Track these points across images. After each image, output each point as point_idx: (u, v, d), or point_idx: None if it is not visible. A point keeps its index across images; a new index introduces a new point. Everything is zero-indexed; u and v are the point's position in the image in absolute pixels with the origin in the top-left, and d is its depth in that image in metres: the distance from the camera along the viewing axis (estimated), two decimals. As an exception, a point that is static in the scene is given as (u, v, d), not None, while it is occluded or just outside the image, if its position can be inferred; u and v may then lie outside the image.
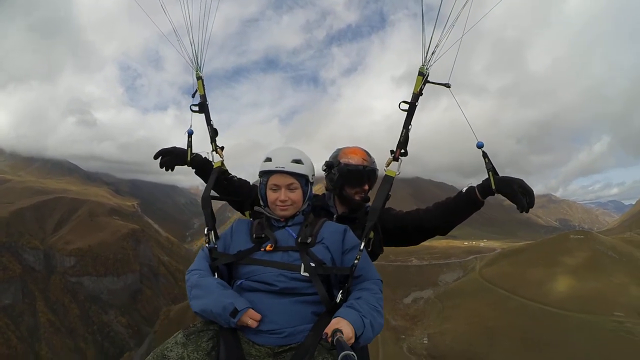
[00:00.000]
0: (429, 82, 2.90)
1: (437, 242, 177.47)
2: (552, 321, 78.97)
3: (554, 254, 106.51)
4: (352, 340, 2.09)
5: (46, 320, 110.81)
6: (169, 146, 3.46)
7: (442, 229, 3.20)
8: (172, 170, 3.44)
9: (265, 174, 2.82)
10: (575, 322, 76.56)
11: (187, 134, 3.47)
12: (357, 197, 3.40)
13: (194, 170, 3.56)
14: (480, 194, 2.92)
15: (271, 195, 2.78)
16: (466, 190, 3.02)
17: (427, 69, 2.87)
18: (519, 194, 2.64)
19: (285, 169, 2.72)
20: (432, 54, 2.80)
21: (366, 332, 2.18)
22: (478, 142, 2.82)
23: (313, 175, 2.95)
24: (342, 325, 2.09)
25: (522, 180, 2.71)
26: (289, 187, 2.75)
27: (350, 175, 3.35)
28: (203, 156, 3.54)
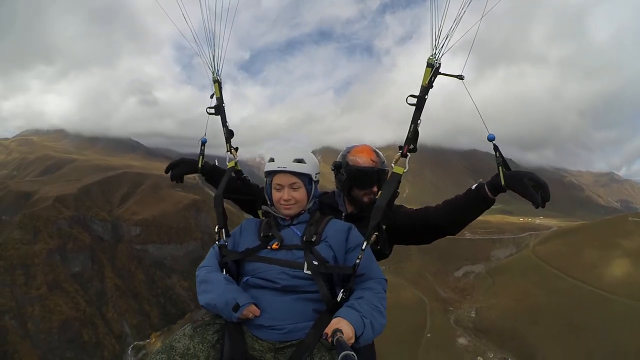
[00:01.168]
0: (439, 73, 2.80)
1: (491, 217, 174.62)
2: (599, 305, 78.50)
3: (610, 236, 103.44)
4: (352, 340, 2.14)
5: (113, 285, 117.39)
6: (178, 159, 3.65)
7: (452, 228, 3.17)
8: (182, 181, 3.63)
9: (269, 174, 2.90)
10: (623, 308, 75.66)
11: (200, 143, 3.66)
12: (365, 199, 3.38)
13: (204, 177, 3.73)
14: (490, 191, 2.84)
15: (275, 195, 2.85)
16: (476, 187, 2.96)
17: (437, 59, 2.76)
18: (531, 187, 2.55)
19: (287, 169, 2.79)
20: (443, 43, 2.67)
21: (366, 332, 2.24)
22: (489, 134, 2.73)
23: (317, 173, 2.98)
24: (342, 325, 2.15)
25: (533, 173, 2.64)
26: (292, 187, 2.81)
27: (358, 177, 3.33)
28: (211, 163, 3.74)
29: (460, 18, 2.53)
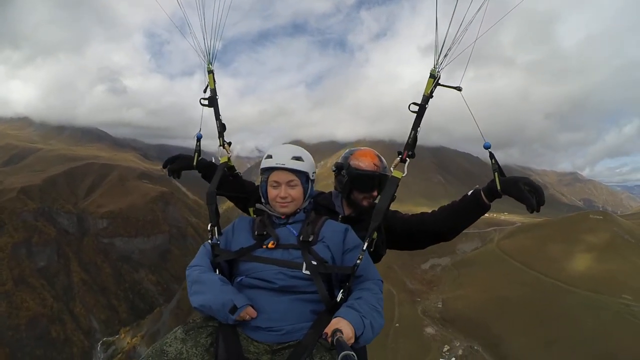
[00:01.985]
0: (439, 84, 2.88)
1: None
2: (561, 297, 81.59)
3: (572, 231, 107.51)
4: (352, 341, 2.13)
5: (80, 280, 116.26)
6: (175, 154, 3.68)
7: (448, 234, 3.19)
8: (179, 177, 3.69)
9: (266, 171, 2.88)
10: (583, 300, 78.75)
11: (195, 138, 3.64)
12: (365, 203, 3.39)
13: (201, 174, 3.69)
14: (486, 197, 2.90)
15: (271, 192, 2.83)
16: (472, 192, 3.00)
17: (438, 71, 2.84)
18: (527, 192, 2.60)
19: (286, 166, 2.77)
20: (445, 56, 2.79)
21: (366, 332, 2.23)
22: (485, 142, 2.83)
23: (314, 172, 2.97)
24: (342, 326, 2.13)
25: (528, 178, 2.71)
26: (289, 184, 2.79)
27: (359, 180, 3.33)
28: (207, 160, 3.71)
29: (462, 37, 2.66)
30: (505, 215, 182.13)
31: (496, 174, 2.81)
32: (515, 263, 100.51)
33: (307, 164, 2.87)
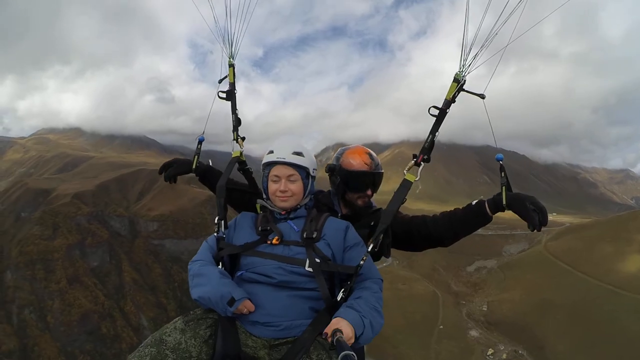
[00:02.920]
0: (463, 90, 2.84)
1: (504, 214, 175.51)
2: (608, 300, 78.99)
3: (622, 231, 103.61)
4: (352, 340, 2.14)
5: (131, 279, 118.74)
6: (171, 159, 3.66)
7: (447, 240, 3.17)
8: (175, 182, 3.65)
9: (267, 166, 2.90)
10: (632, 303, 76.04)
11: (197, 141, 3.66)
12: (359, 202, 3.35)
13: (198, 178, 3.70)
14: (490, 209, 2.88)
15: (272, 187, 2.86)
16: (476, 203, 2.99)
17: (463, 76, 2.81)
18: (531, 211, 2.60)
19: (286, 160, 2.80)
20: (471, 62, 2.74)
21: (366, 332, 2.23)
22: (497, 155, 2.84)
23: (315, 169, 2.99)
24: (342, 325, 2.13)
25: (534, 197, 2.69)
26: (289, 179, 2.82)
27: (351, 180, 3.28)
28: (205, 163, 3.74)
29: (489, 44, 2.63)
30: (553, 215, 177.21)
31: (504, 187, 2.81)
32: (563, 265, 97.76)
33: (307, 160, 2.90)
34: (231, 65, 3.67)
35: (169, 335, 2.23)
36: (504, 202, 2.77)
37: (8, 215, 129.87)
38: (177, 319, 2.45)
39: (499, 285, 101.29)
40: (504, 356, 75.21)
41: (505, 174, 2.84)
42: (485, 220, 2.95)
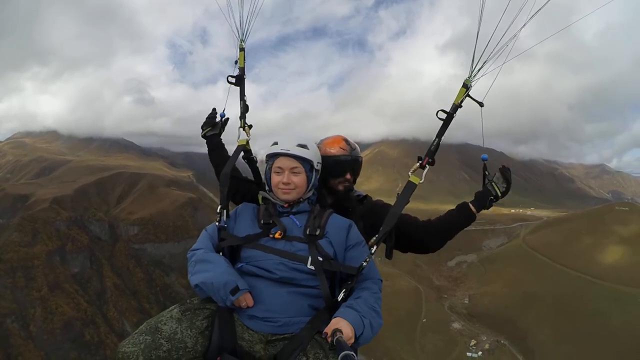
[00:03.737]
0: (468, 95, 2.90)
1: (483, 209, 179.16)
2: (587, 290, 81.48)
3: (598, 224, 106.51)
4: (352, 340, 2.13)
5: (112, 284, 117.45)
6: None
7: (435, 247, 3.19)
8: (213, 129, 3.61)
9: (270, 158, 2.84)
10: (610, 293, 78.25)
11: (219, 117, 3.63)
12: (340, 187, 3.33)
13: (209, 147, 3.64)
14: (475, 208, 2.98)
15: (275, 178, 2.79)
16: (459, 206, 3.09)
17: (472, 82, 2.87)
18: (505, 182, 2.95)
19: (290, 152, 2.75)
20: (480, 69, 2.81)
21: (366, 332, 2.24)
22: (483, 155, 2.95)
23: (319, 162, 2.93)
24: (342, 325, 2.13)
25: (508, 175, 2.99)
26: (293, 171, 2.76)
27: (330, 166, 3.25)
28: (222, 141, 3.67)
29: (499, 54, 2.72)
30: (531, 210, 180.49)
31: (494, 183, 2.98)
32: (542, 257, 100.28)
33: (311, 153, 2.84)
34: (242, 49, 3.60)
35: (165, 324, 2.22)
36: (499, 193, 2.97)
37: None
38: (173, 307, 2.41)
39: (480, 278, 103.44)
40: (487, 346, 76.99)
41: (489, 172, 3.04)
42: (469, 219, 3.05)
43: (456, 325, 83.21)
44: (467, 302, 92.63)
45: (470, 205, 3.00)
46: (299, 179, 2.76)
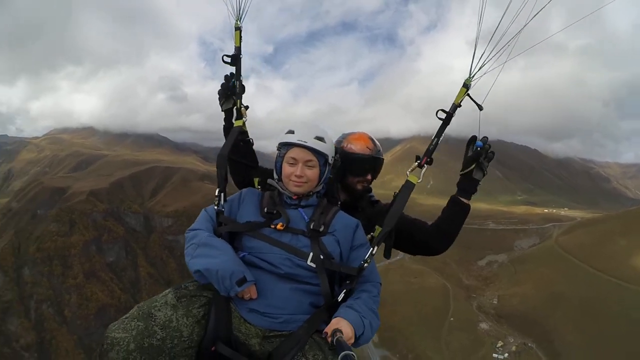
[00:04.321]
0: (468, 95, 2.82)
1: (516, 208, 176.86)
2: (618, 294, 79.29)
3: (634, 226, 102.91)
4: (352, 341, 2.11)
5: (146, 274, 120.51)
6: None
7: (440, 245, 3.13)
8: (227, 102, 3.38)
9: (284, 146, 2.70)
10: (641, 298, 75.68)
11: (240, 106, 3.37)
12: (359, 187, 3.30)
13: (224, 122, 3.45)
14: (462, 196, 2.95)
15: (287, 169, 2.66)
16: (451, 201, 3.02)
17: (472, 82, 2.79)
18: (467, 149, 2.91)
19: (307, 144, 2.61)
20: (481, 68, 2.72)
21: (366, 332, 2.22)
22: (477, 142, 2.89)
23: (333, 157, 2.81)
24: (342, 326, 2.11)
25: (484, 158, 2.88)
26: (307, 164, 2.64)
27: (352, 163, 3.22)
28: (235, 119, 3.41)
29: (499, 55, 2.64)
30: (565, 210, 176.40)
31: (475, 163, 2.90)
32: (574, 260, 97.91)
33: (328, 146, 2.72)
34: (237, 28, 3.41)
35: (159, 310, 2.13)
36: (464, 170, 2.93)
37: (24, 213, 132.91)
38: (167, 291, 2.32)
39: (510, 279, 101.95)
40: (514, 348, 76.10)
41: (470, 154, 2.93)
42: (465, 212, 2.98)
43: (484, 325, 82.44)
44: (495, 302, 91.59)
45: (460, 198, 2.97)
46: (312, 173, 2.67)
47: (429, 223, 3.17)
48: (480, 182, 2.96)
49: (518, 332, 79.60)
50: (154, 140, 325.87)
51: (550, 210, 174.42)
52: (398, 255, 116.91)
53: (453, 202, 2.99)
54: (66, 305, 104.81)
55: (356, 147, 3.28)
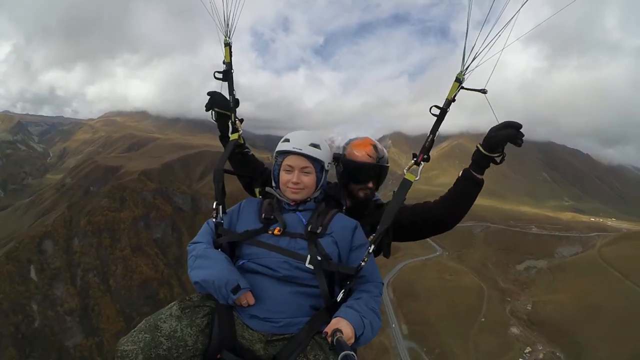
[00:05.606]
0: (463, 88, 2.79)
1: (562, 214, 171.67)
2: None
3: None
4: (352, 340, 2.12)
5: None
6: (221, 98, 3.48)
7: (452, 219, 3.07)
8: (215, 108, 3.47)
9: (281, 154, 2.77)
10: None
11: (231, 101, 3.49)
12: (361, 194, 3.28)
13: (219, 131, 3.60)
14: (475, 171, 2.86)
15: (284, 177, 2.73)
16: (464, 175, 2.94)
17: (464, 75, 2.77)
18: (504, 129, 2.67)
19: (302, 151, 2.68)
20: (473, 60, 2.70)
21: (366, 332, 2.22)
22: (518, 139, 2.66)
23: (329, 163, 2.87)
24: (342, 325, 2.12)
25: (495, 127, 2.74)
26: (303, 170, 2.70)
27: (353, 171, 3.24)
28: (231, 129, 3.56)
29: (489, 49, 2.61)
30: (612, 221, 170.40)
31: (479, 145, 2.84)
32: (614, 272, 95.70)
33: (323, 153, 2.78)
34: (227, 44, 3.51)
35: (164, 322, 2.22)
36: (481, 149, 2.80)
37: (78, 188, 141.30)
38: (172, 304, 2.41)
39: (547, 286, 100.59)
40: (541, 356, 75.79)
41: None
42: (477, 184, 2.90)
43: (514, 329, 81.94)
44: (529, 308, 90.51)
45: (473, 172, 2.89)
46: (309, 179, 2.73)
47: (431, 200, 3.21)
48: (482, 150, 2.82)
49: (548, 341, 78.88)
50: (204, 126, 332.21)
51: (597, 219, 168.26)
52: (436, 252, 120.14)
53: (466, 176, 2.95)
54: (111, 276, 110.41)
55: (358, 154, 3.28)
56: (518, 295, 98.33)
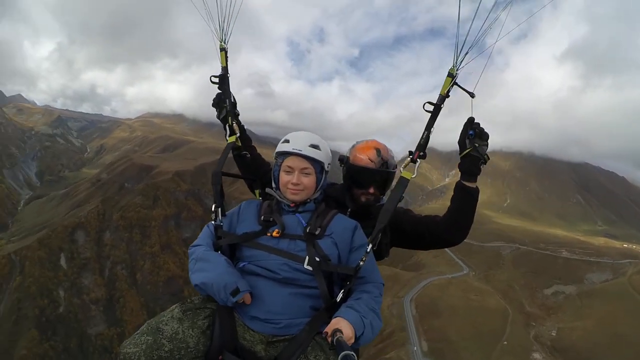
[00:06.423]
0: (456, 84, 2.76)
1: (594, 239, 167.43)
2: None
3: None
4: (352, 341, 2.12)
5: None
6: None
7: (455, 238, 3.02)
8: (219, 104, 3.53)
9: (280, 155, 2.77)
10: None
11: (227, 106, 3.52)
12: (362, 198, 3.21)
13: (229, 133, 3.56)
14: (467, 180, 2.84)
15: (284, 178, 2.72)
16: (457, 188, 2.93)
17: (457, 70, 2.73)
18: (471, 130, 2.77)
19: (302, 152, 2.67)
20: (465, 55, 2.66)
21: (366, 332, 2.22)
22: (470, 132, 2.79)
23: (329, 164, 2.85)
24: (342, 326, 2.12)
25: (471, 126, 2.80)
26: (303, 171, 2.69)
27: (354, 176, 3.19)
28: (231, 130, 3.56)
29: (480, 40, 2.62)
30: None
31: (476, 145, 2.83)
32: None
33: (323, 154, 2.77)
34: (223, 50, 3.54)
35: (166, 324, 2.23)
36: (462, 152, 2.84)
37: (112, 184, 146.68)
38: (174, 306, 2.42)
39: (574, 312, 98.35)
40: (562, 385, 74.27)
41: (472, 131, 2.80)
42: (469, 194, 2.87)
43: (537, 355, 79.67)
44: (554, 334, 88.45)
45: (465, 182, 2.87)
46: (309, 180, 2.73)
47: (440, 215, 3.14)
48: (483, 161, 2.85)
49: (570, 369, 77.08)
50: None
51: (630, 245, 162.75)
52: (463, 271, 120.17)
53: (459, 188, 2.92)
54: (139, 270, 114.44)
55: (361, 157, 3.22)
56: (543, 321, 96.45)
